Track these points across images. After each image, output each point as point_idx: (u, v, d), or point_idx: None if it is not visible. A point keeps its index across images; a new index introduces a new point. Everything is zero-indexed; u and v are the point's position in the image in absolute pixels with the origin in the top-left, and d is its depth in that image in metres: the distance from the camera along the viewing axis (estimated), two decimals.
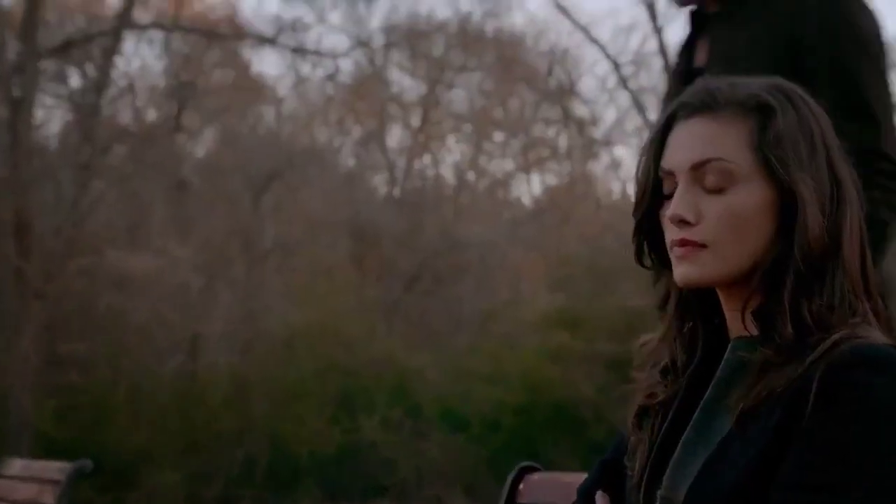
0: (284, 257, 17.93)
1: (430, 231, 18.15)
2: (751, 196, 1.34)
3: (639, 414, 1.46)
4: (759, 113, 1.36)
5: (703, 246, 1.35)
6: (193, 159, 17.93)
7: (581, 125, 18.02)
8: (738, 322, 1.38)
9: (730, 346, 1.39)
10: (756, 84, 1.40)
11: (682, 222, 1.35)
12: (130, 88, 16.33)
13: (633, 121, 18.91)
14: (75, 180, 14.61)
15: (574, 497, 1.56)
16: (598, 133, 18.43)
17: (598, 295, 15.42)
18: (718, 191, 1.35)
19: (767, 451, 1.28)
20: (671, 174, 1.38)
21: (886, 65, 2.23)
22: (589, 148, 18.23)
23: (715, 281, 1.36)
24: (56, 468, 4.31)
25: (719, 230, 1.34)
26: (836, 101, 2.11)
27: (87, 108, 14.82)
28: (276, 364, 15.67)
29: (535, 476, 2.11)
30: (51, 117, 16.42)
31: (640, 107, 18.16)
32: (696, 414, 1.38)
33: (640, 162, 1.43)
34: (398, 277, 17.70)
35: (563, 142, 18.51)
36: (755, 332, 1.36)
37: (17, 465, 4.76)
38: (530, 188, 20.92)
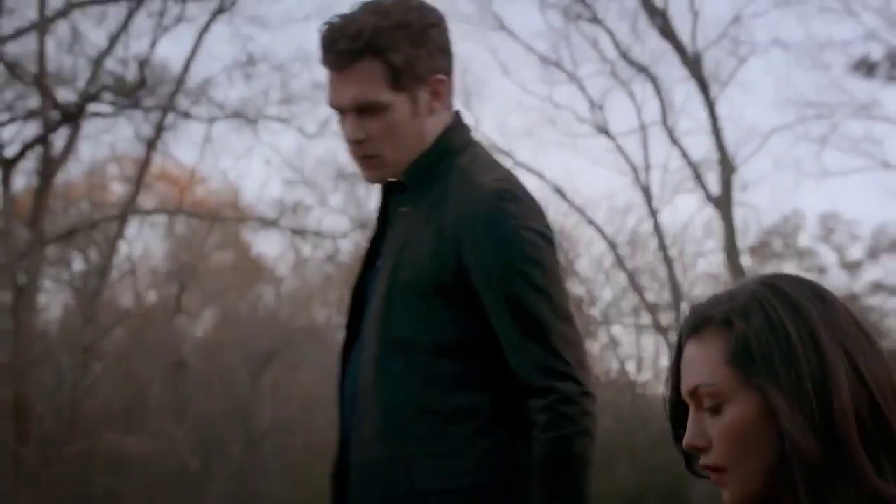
0: (282, 436, 17.83)
1: None
2: (742, 410, 1.33)
3: None
4: (729, 326, 1.35)
5: (722, 469, 1.36)
6: (193, 339, 18.02)
7: (578, 304, 18.17)
8: None
9: None
10: (730, 295, 1.38)
11: (697, 449, 1.37)
12: (132, 272, 16.52)
13: (630, 300, 19.12)
14: (75, 363, 14.65)
15: None
16: (595, 312, 18.63)
17: (595, 475, 15.26)
18: (716, 411, 1.35)
19: None
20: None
21: (558, 269, 2.09)
22: (586, 327, 18.35)
23: (749, 499, 1.36)
24: None
25: (727, 451, 1.34)
26: (509, 314, 2.01)
27: (89, 291, 14.96)
28: None
29: None
30: (52, 301, 16.59)
31: (636, 286, 18.37)
32: None
33: (663, 392, 1.47)
34: None
35: None
36: None
37: None
38: None
